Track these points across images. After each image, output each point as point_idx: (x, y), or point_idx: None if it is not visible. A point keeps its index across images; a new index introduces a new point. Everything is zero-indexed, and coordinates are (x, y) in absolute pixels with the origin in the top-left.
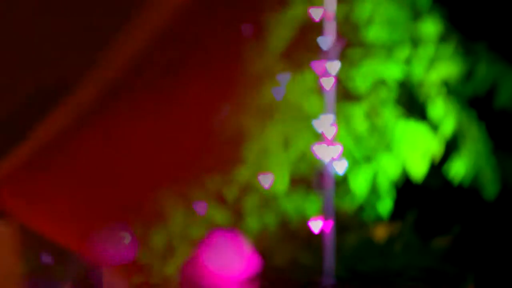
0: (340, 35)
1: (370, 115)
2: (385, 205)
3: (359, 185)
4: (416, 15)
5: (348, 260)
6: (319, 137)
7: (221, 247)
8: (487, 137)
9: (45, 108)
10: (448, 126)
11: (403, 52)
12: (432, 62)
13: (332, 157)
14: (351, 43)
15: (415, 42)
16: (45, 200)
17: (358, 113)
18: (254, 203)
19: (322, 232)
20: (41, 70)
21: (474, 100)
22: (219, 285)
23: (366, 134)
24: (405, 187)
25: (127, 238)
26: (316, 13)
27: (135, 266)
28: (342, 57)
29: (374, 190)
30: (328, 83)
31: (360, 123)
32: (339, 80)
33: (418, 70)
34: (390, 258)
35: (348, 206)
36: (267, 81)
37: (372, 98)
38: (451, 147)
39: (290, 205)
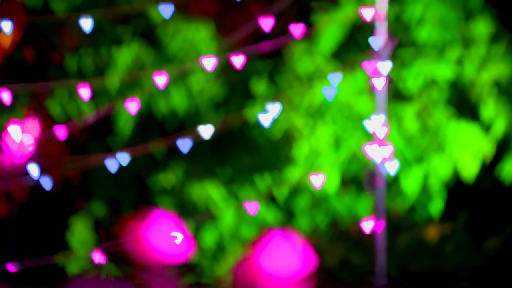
0: (391, 35)
1: (421, 116)
2: (437, 206)
3: (411, 185)
4: (467, 15)
5: (399, 260)
6: (371, 137)
7: (275, 247)
8: None
9: None
10: (499, 126)
11: (455, 52)
12: (484, 62)
13: (384, 157)
14: (402, 43)
15: (467, 42)
16: None
17: (409, 113)
18: (305, 203)
19: (373, 232)
20: None
21: None
22: (272, 285)
23: (417, 134)
24: (456, 188)
25: (179, 238)
26: (367, 13)
27: (186, 266)
28: (393, 57)
29: (425, 191)
30: (380, 83)
31: (411, 123)
32: (390, 80)
33: (469, 70)
34: (441, 259)
35: (400, 206)
36: (317, 81)
37: (423, 98)
38: (503, 147)
39: (341, 205)
